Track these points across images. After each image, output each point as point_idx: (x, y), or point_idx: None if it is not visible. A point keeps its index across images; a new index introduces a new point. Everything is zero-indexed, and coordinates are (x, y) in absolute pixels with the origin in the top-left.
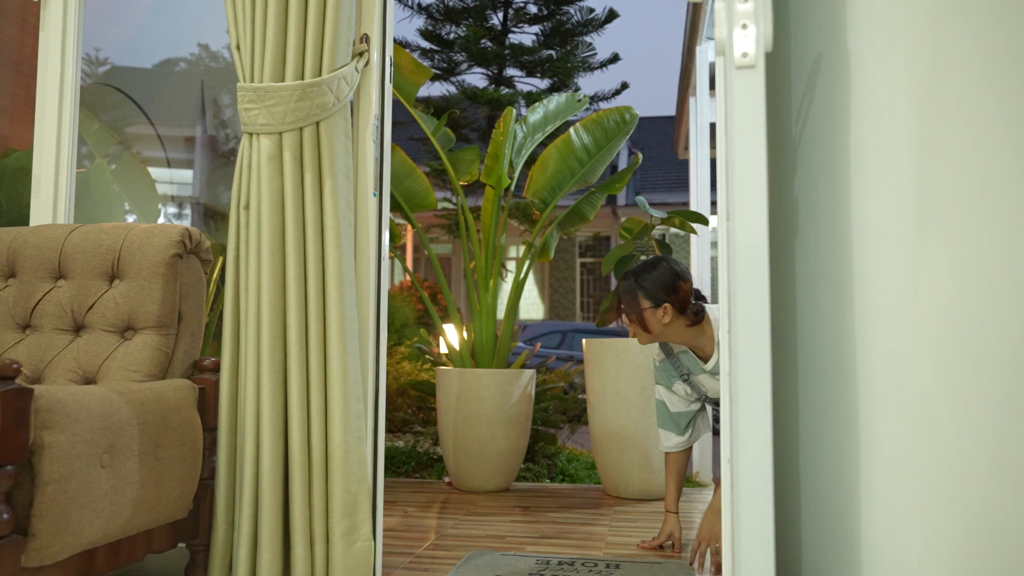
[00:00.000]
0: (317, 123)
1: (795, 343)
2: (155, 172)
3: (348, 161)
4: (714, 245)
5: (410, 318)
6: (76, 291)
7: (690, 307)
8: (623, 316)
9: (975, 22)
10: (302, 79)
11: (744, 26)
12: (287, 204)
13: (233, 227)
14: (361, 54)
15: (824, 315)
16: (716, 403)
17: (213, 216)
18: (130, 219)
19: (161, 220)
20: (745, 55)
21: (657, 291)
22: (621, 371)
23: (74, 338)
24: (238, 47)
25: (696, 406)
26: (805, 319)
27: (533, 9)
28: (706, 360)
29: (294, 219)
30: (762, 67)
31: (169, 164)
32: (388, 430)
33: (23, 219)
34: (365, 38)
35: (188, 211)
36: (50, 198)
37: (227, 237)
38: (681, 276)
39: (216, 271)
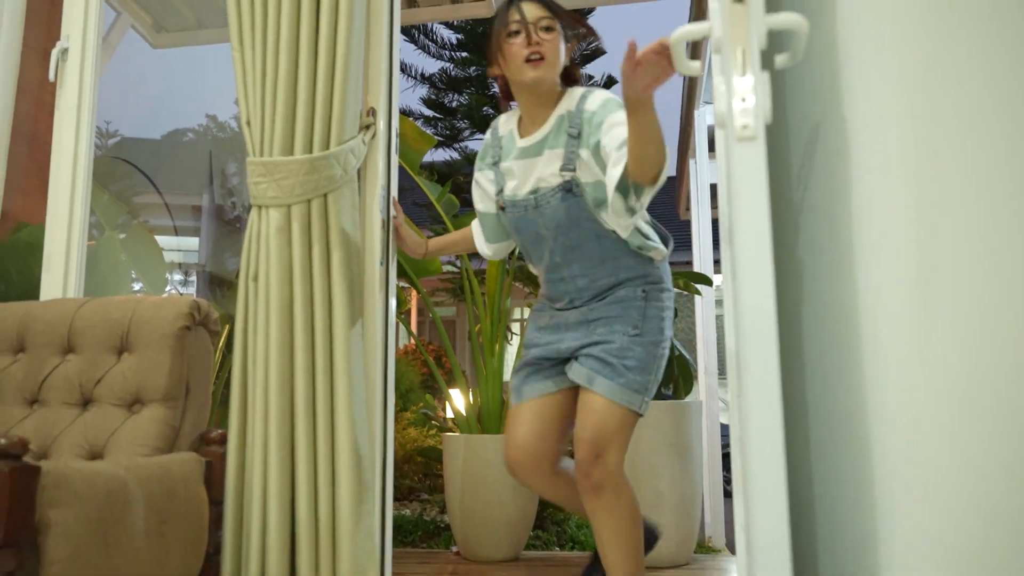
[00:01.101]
0: (325, 195)
1: (805, 410)
2: (162, 240)
3: (355, 232)
4: (719, 303)
5: (415, 382)
6: (85, 365)
7: (576, 71)
8: (533, 23)
9: (965, 93)
10: (311, 153)
11: (744, 99)
12: (295, 275)
13: (241, 298)
14: (368, 127)
15: (833, 381)
16: (514, 205)
17: (219, 284)
18: (138, 287)
19: (168, 288)
20: (745, 127)
21: (572, 25)
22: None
23: (82, 412)
24: (248, 123)
25: (493, 209)
26: (814, 384)
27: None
28: (529, 134)
29: (302, 290)
30: (763, 138)
31: (176, 232)
32: (394, 498)
33: (33, 293)
34: (372, 111)
35: (194, 278)
36: (60, 272)
37: (233, 306)
38: None
39: (222, 339)
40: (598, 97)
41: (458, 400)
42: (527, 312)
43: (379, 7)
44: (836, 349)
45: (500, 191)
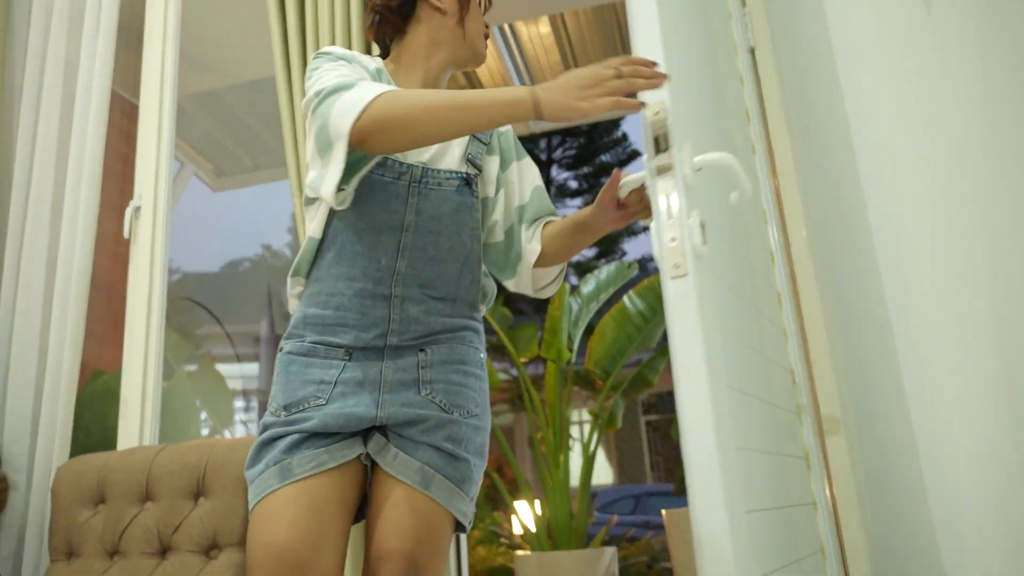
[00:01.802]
0: None
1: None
2: (225, 368)
3: None
4: None
5: (479, 497)
6: (163, 512)
7: None
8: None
9: None
10: None
11: (672, 240)
12: None
13: None
14: None
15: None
16: (388, 169)
17: None
18: (206, 427)
19: (236, 418)
20: (677, 266)
21: None
22: None
23: (160, 561)
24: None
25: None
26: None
27: (574, 185)
28: None
29: None
30: (694, 274)
31: (238, 359)
32: None
33: (110, 441)
34: None
35: (255, 403)
36: (137, 419)
37: None
38: None
39: None
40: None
41: (524, 513)
42: (585, 414)
43: None
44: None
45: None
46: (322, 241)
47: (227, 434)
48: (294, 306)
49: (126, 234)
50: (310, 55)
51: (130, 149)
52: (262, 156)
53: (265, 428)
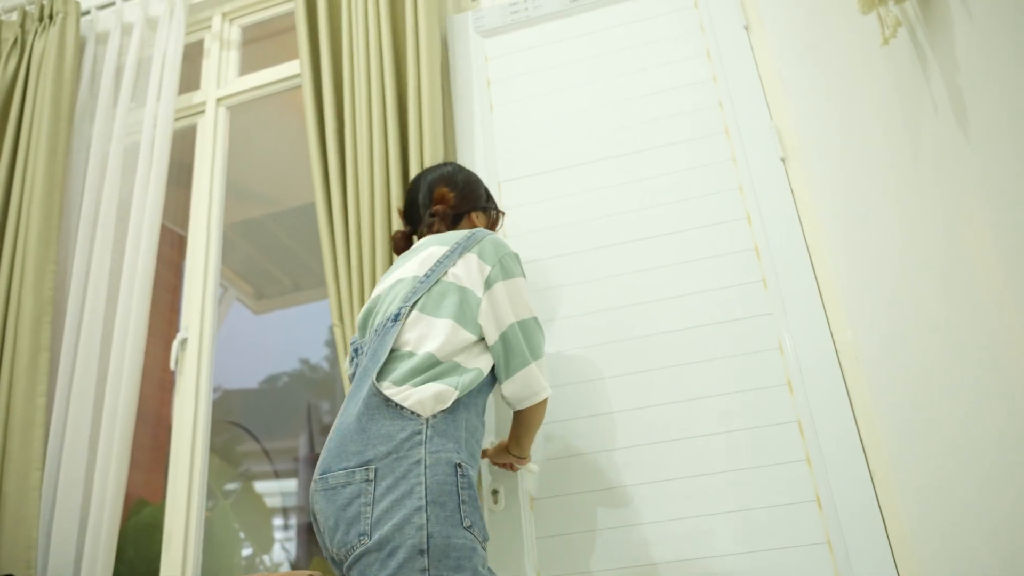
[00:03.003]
0: None
1: None
2: (262, 486)
3: None
4: None
5: None
6: None
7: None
8: None
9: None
10: None
11: None
12: None
13: None
14: None
15: None
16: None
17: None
18: (246, 551)
19: (276, 536)
20: None
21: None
22: None
23: None
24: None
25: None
26: None
27: None
28: None
29: None
30: None
31: (277, 476)
32: None
33: (152, 573)
34: None
35: (293, 521)
36: (180, 552)
37: None
38: None
39: None
40: None
41: None
42: None
43: None
44: None
45: None
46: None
47: (266, 559)
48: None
49: (172, 366)
50: (349, 183)
51: (177, 279)
52: (302, 277)
53: (479, 556)
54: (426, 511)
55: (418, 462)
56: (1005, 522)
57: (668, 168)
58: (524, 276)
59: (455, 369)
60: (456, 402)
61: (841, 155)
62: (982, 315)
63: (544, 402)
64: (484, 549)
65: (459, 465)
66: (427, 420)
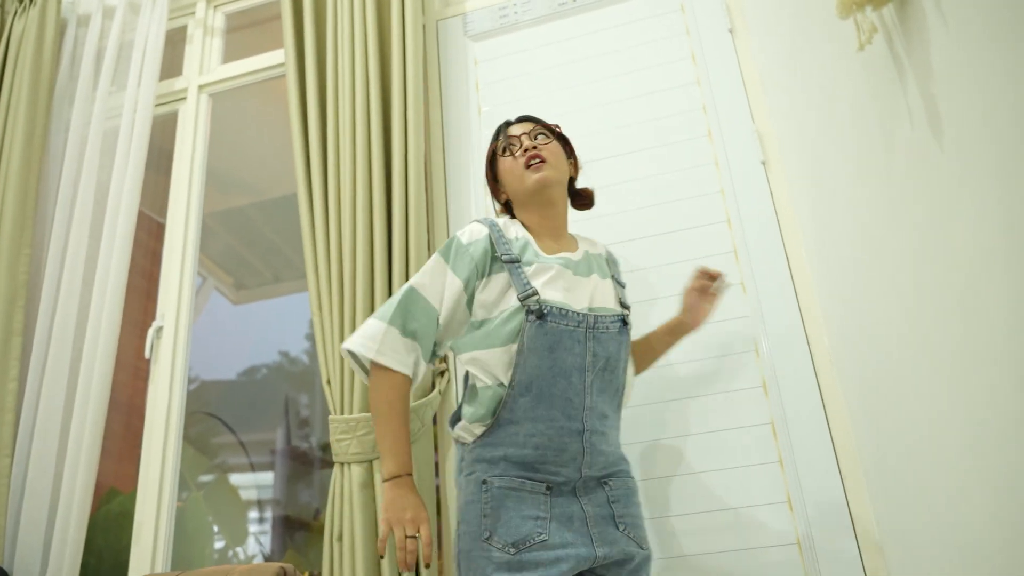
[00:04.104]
0: None
1: None
2: (238, 478)
3: (433, 478)
4: None
5: None
6: None
7: (588, 192)
8: (525, 133)
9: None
10: None
11: None
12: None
13: (327, 559)
14: (442, 373)
15: None
16: (564, 316)
17: (295, 527)
18: (220, 543)
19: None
20: None
21: (567, 142)
22: None
23: None
24: (328, 382)
25: (461, 317)
26: None
27: None
28: (554, 251)
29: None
30: None
31: (253, 468)
32: None
33: (121, 565)
34: (444, 357)
35: (269, 514)
36: (150, 544)
37: (308, 550)
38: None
39: None
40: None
41: None
42: None
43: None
44: None
45: (531, 293)
46: (511, 387)
47: (240, 553)
48: (466, 439)
49: (147, 354)
50: (331, 174)
51: (155, 266)
52: (282, 269)
53: (492, 562)
54: (459, 529)
55: (460, 487)
56: (972, 523)
57: (652, 171)
58: (443, 256)
59: (473, 394)
60: (494, 421)
61: (819, 160)
62: (951, 322)
63: (373, 373)
64: (511, 550)
65: (484, 482)
66: (468, 447)
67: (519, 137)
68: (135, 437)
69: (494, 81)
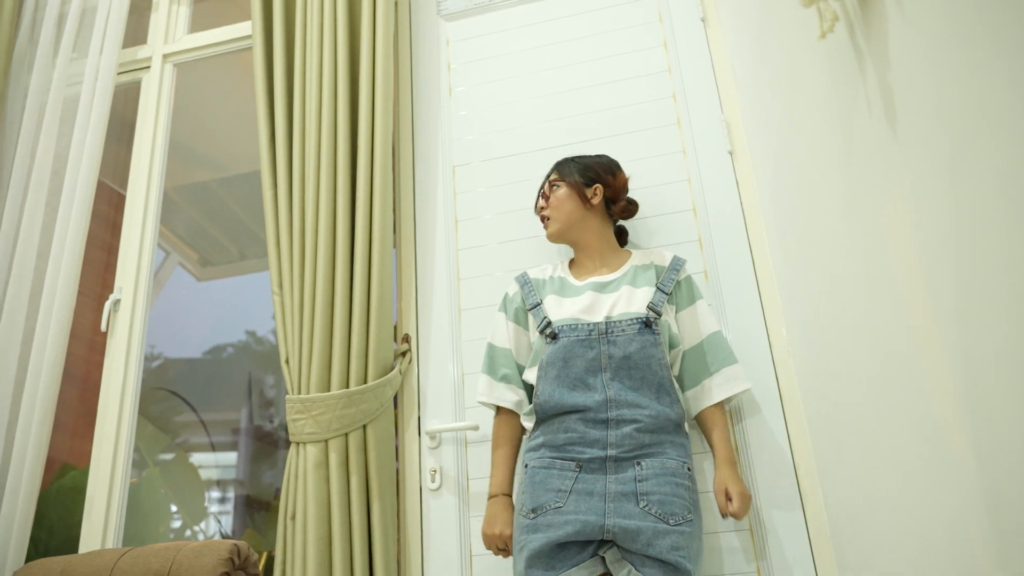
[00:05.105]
0: (364, 426)
1: None
2: (199, 457)
3: (392, 459)
4: None
5: None
6: None
7: (621, 204)
8: (546, 188)
9: None
10: (347, 388)
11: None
12: (333, 511)
13: (280, 538)
14: (404, 353)
15: None
16: (574, 329)
17: (256, 507)
18: (178, 521)
19: (211, 510)
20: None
21: (592, 168)
22: None
23: None
24: (287, 361)
25: (525, 346)
26: None
27: None
28: (591, 275)
29: (341, 525)
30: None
31: (214, 448)
32: None
33: (73, 539)
34: (407, 338)
35: (231, 494)
36: (101, 519)
37: (269, 530)
38: (622, 168)
39: (261, 568)
40: (687, 269)
41: None
42: None
43: (407, 240)
44: None
45: (547, 324)
46: (539, 393)
47: (199, 529)
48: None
49: (103, 327)
50: (295, 149)
51: (115, 238)
52: (248, 246)
53: (520, 527)
54: None
55: None
56: (916, 511)
57: (621, 158)
58: (500, 310)
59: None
60: (537, 420)
61: (783, 150)
62: (901, 313)
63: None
64: (531, 515)
65: (527, 466)
66: (525, 444)
67: (543, 188)
68: (91, 413)
69: (466, 62)
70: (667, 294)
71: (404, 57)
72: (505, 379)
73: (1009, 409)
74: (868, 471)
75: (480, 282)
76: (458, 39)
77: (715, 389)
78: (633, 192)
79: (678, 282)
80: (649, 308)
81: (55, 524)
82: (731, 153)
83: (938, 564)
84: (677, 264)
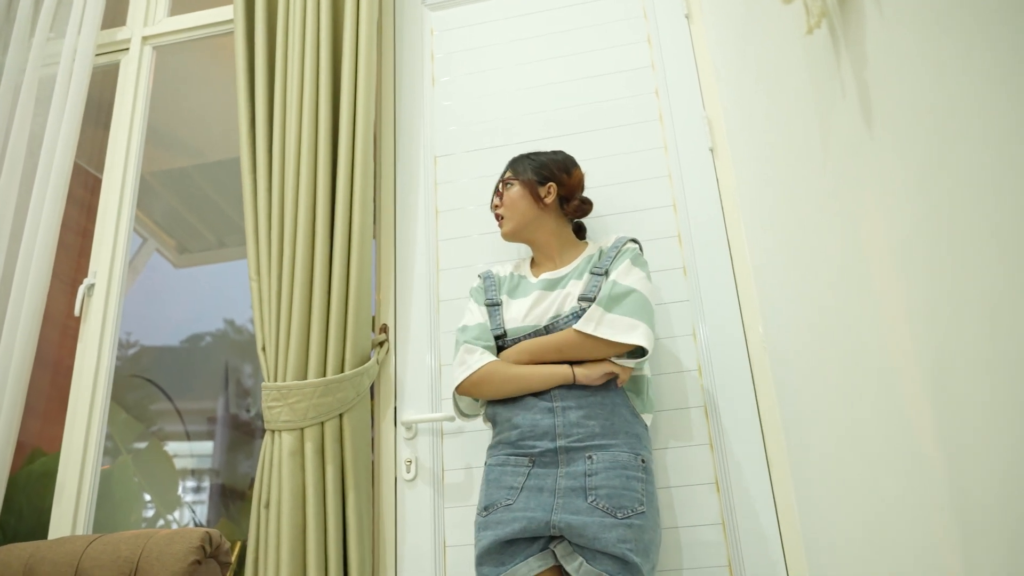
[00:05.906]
0: (340, 415)
1: None
2: (174, 446)
3: (368, 449)
4: None
5: None
6: None
7: (575, 203)
8: (499, 187)
9: None
10: (324, 376)
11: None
12: (308, 500)
13: (253, 526)
14: (381, 343)
15: None
16: (519, 333)
17: (231, 496)
18: (151, 510)
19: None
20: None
21: (547, 166)
22: None
23: None
24: (263, 348)
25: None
26: None
27: None
28: (546, 270)
29: (315, 515)
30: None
31: (189, 437)
32: None
33: (43, 525)
34: (384, 328)
35: (207, 483)
36: (71, 505)
37: (243, 519)
38: (577, 165)
39: (234, 561)
40: (630, 245)
41: None
42: None
43: (387, 230)
44: None
45: (500, 334)
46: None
47: (173, 518)
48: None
49: (77, 312)
50: (276, 135)
51: (90, 222)
52: (227, 234)
53: (476, 524)
54: None
55: None
56: (882, 505)
57: (602, 152)
58: (471, 296)
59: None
60: (492, 419)
61: (763, 147)
62: (874, 310)
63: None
64: (484, 513)
65: (486, 464)
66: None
67: (497, 186)
68: (62, 397)
69: (450, 52)
70: (601, 275)
71: (387, 45)
72: (489, 349)
73: (975, 405)
74: (839, 466)
75: (459, 273)
76: (442, 29)
77: (592, 321)
78: (612, 187)
79: (615, 258)
80: (580, 300)
81: (24, 509)
82: (712, 150)
83: (901, 556)
84: (618, 243)
